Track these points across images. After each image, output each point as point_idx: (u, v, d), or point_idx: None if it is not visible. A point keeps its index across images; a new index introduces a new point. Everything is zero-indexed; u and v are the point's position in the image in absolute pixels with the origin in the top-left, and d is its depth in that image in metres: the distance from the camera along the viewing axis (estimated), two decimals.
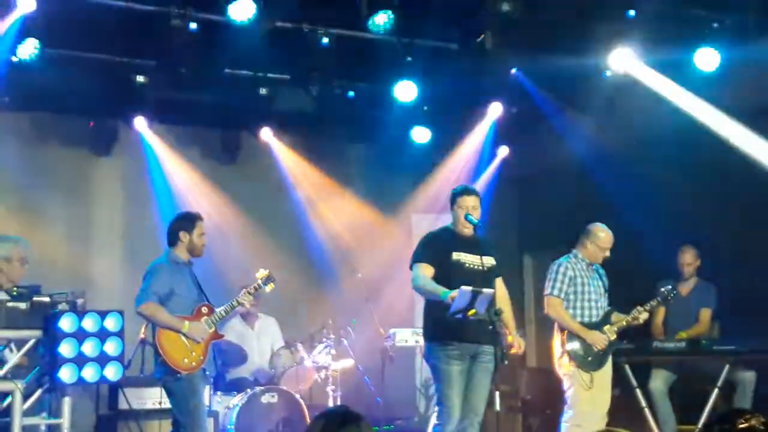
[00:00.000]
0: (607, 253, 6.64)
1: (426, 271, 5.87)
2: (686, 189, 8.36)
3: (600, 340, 6.43)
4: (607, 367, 6.52)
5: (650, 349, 7.13)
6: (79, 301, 6.35)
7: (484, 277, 5.80)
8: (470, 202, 5.96)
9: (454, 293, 5.48)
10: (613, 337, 6.51)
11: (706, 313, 7.49)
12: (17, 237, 6.46)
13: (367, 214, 10.34)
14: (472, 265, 5.89)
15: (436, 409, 5.88)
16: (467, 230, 5.97)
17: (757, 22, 7.47)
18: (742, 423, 2.77)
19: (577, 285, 6.53)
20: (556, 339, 6.58)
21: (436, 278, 5.82)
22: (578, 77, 8.58)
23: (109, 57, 8.23)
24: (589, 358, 6.43)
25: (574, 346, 6.44)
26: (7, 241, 6.29)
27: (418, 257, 5.97)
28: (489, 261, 5.92)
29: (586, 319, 6.50)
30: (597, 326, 6.49)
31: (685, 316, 7.50)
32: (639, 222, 8.43)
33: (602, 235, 6.63)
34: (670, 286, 6.83)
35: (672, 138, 8.49)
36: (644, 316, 6.61)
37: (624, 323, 6.56)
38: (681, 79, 8.14)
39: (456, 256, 5.89)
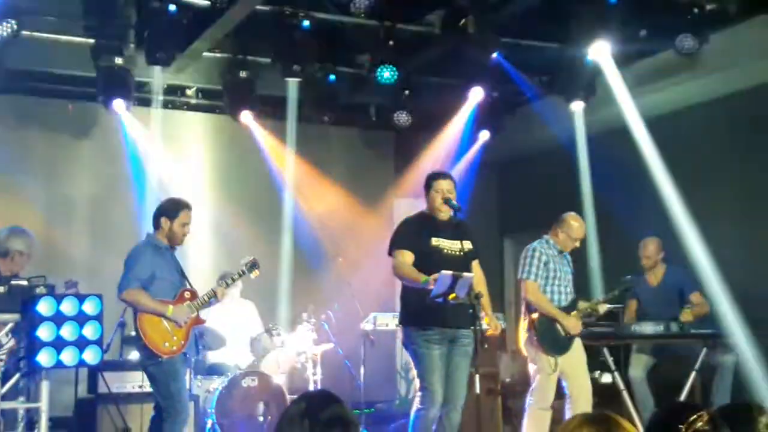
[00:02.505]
0: (578, 244, 6.65)
1: (407, 257, 5.86)
2: (667, 174, 8.40)
3: (576, 325, 6.45)
4: (576, 352, 6.53)
5: (628, 332, 7.18)
6: (72, 291, 6.43)
7: (462, 262, 5.80)
8: (445, 186, 5.94)
9: (435, 276, 5.49)
10: (581, 324, 6.55)
11: (698, 296, 7.52)
12: (32, 233, 6.55)
13: (349, 199, 10.33)
14: (450, 251, 5.89)
15: (419, 394, 5.87)
16: (443, 215, 5.95)
17: (736, 7, 7.50)
18: (690, 426, 2.68)
19: (549, 270, 6.54)
20: (523, 321, 6.60)
21: (415, 264, 5.82)
22: (559, 62, 8.59)
23: (88, 39, 8.15)
24: (557, 342, 6.45)
25: (543, 329, 6.46)
26: (26, 236, 6.41)
27: (397, 244, 5.95)
28: (466, 245, 5.91)
29: (555, 304, 6.53)
30: (565, 311, 6.52)
31: (662, 303, 7.53)
32: (618, 207, 8.48)
33: (575, 225, 6.64)
34: (629, 277, 6.84)
35: (652, 123, 8.53)
36: (603, 307, 6.64)
37: (588, 310, 6.58)
38: (661, 64, 8.18)
39: (435, 242, 5.88)
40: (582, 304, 6.59)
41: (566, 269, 6.66)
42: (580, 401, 6.41)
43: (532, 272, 6.53)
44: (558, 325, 6.45)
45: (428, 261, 5.77)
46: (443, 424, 5.85)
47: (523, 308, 6.63)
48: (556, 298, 6.54)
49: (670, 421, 2.73)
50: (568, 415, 6.41)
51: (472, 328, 5.56)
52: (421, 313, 5.78)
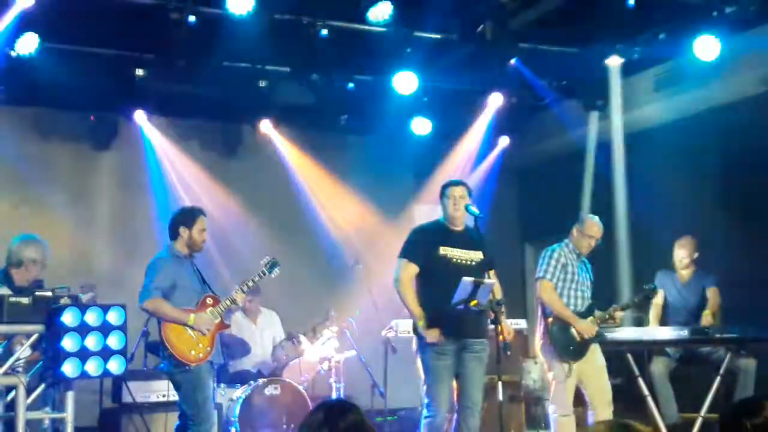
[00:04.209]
0: (593, 243, 6.59)
1: (410, 269, 5.89)
2: (686, 177, 8.37)
3: (589, 329, 6.40)
4: (593, 358, 6.48)
5: (652, 337, 7.12)
6: (89, 294, 6.47)
7: (475, 272, 5.74)
8: (457, 192, 5.96)
9: (431, 332, 5.62)
10: (595, 328, 6.50)
11: (714, 291, 7.49)
12: (44, 241, 6.59)
13: (369, 206, 10.33)
14: (458, 260, 5.88)
15: (425, 402, 5.89)
16: (458, 222, 5.97)
17: (756, 11, 7.46)
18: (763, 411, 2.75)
19: (567, 273, 6.51)
20: (540, 325, 6.57)
21: (423, 273, 5.85)
22: (578, 66, 8.58)
23: (109, 51, 8.22)
24: (570, 348, 6.41)
25: (557, 333, 6.43)
26: (38, 244, 6.45)
27: (404, 252, 5.98)
28: (477, 255, 5.89)
29: (572, 308, 6.49)
30: (582, 316, 6.47)
31: (685, 303, 7.50)
32: (639, 211, 8.45)
33: (589, 222, 6.60)
34: (651, 285, 6.81)
35: (673, 127, 8.50)
36: (619, 314, 6.58)
37: (605, 317, 6.53)
38: (681, 68, 8.15)
39: (443, 251, 5.88)
40: (598, 312, 6.55)
41: (585, 274, 6.63)
42: (601, 407, 6.37)
43: (548, 272, 6.50)
44: (572, 330, 6.42)
45: (436, 269, 5.80)
46: (461, 428, 5.85)
47: (539, 313, 6.60)
48: (572, 302, 6.51)
49: (741, 413, 2.80)
50: (590, 422, 6.38)
51: (493, 334, 5.54)
52: (433, 324, 5.80)
